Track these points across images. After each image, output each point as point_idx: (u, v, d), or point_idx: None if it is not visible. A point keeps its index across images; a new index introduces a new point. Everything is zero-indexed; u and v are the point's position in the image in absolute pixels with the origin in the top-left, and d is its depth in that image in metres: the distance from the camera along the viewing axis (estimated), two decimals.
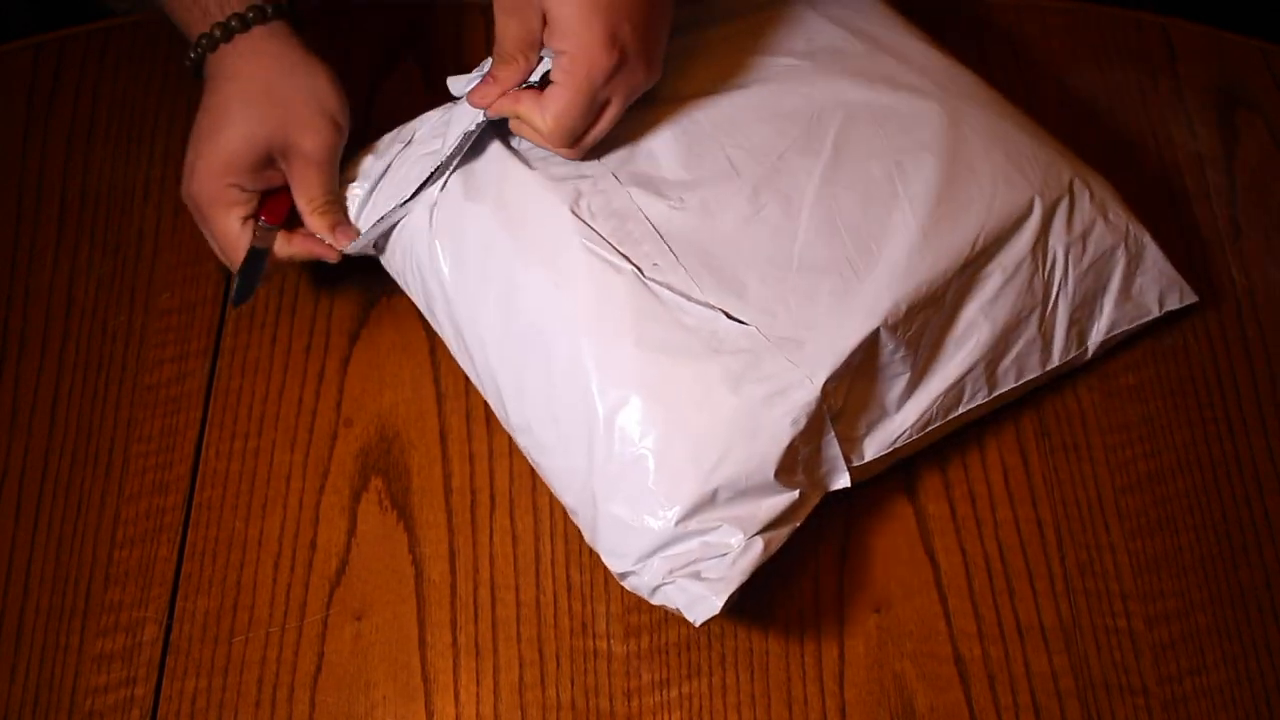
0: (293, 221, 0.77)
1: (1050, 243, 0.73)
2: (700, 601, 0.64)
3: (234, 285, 0.76)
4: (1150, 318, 0.77)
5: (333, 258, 0.76)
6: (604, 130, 0.71)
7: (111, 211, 0.85)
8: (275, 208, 0.76)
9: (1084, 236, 0.74)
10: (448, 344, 0.76)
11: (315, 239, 0.76)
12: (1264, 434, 0.77)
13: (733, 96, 0.75)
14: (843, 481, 0.70)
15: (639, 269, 0.69)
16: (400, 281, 0.77)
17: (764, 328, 0.68)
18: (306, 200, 0.75)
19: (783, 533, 0.67)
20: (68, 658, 0.71)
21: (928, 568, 0.73)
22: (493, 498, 0.75)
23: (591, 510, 0.68)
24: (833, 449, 0.69)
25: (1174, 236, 0.84)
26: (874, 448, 0.71)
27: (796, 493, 0.67)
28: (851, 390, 0.69)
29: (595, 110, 0.70)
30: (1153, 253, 0.76)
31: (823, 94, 0.75)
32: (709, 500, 0.65)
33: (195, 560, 0.73)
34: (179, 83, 0.89)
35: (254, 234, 0.75)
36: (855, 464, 0.70)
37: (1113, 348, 0.79)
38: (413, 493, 0.75)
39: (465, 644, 0.71)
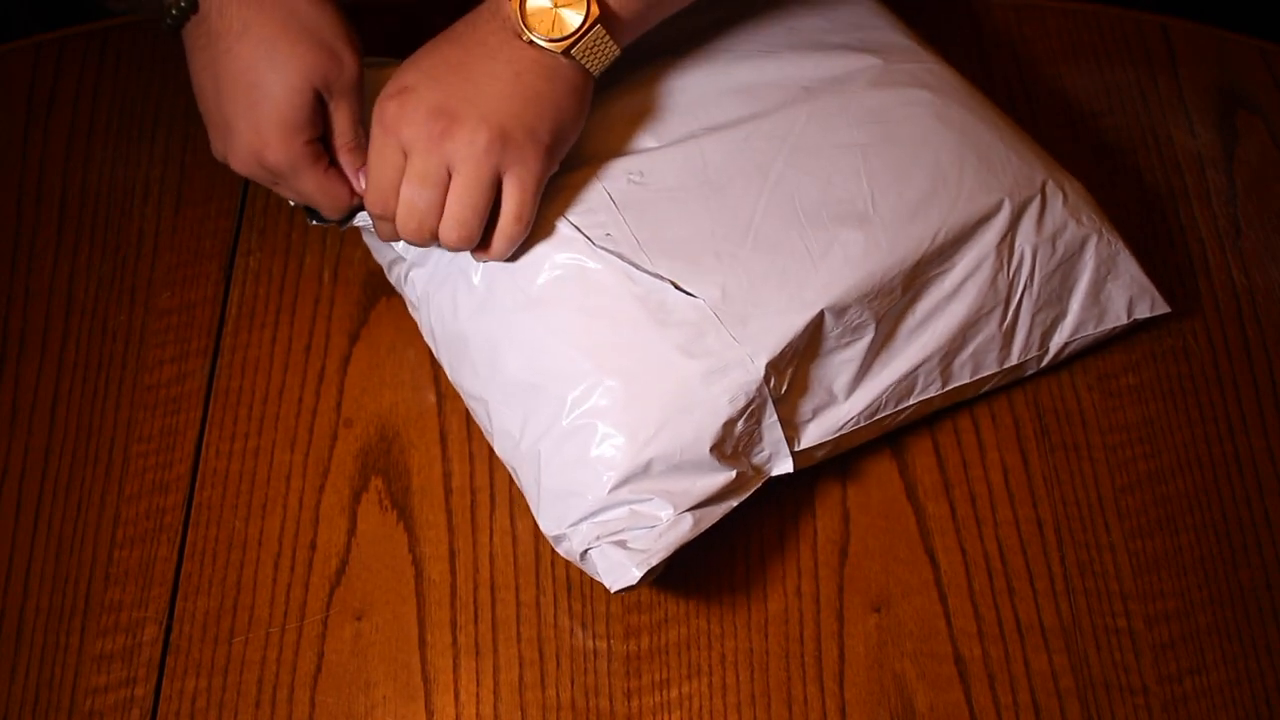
0: None
1: (1018, 242, 0.73)
2: (619, 569, 0.65)
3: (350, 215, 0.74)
4: (1119, 325, 0.77)
5: (345, 203, 0.74)
6: (460, 208, 0.67)
7: (111, 211, 0.85)
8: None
9: (1054, 238, 0.74)
10: (412, 311, 0.76)
11: (342, 180, 0.73)
12: (1264, 434, 0.77)
13: (710, 79, 0.76)
14: (785, 466, 0.70)
15: (589, 238, 0.69)
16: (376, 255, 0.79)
17: (711, 302, 0.68)
18: (342, 135, 0.72)
19: (716, 511, 0.68)
20: (68, 658, 0.71)
21: (928, 568, 0.73)
22: (493, 498, 0.75)
23: (534, 474, 0.69)
24: (775, 432, 0.69)
25: (1174, 236, 0.84)
26: (818, 433, 0.71)
27: (733, 472, 0.68)
28: (797, 374, 0.70)
29: (396, 165, 0.68)
30: (1126, 260, 0.76)
31: (798, 81, 0.75)
32: (642, 470, 0.66)
33: (195, 560, 0.73)
34: (179, 83, 0.89)
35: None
36: (798, 449, 0.71)
37: (1110, 347, 0.79)
38: (413, 493, 0.75)
39: (465, 644, 0.71)
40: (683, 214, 0.71)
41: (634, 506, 0.67)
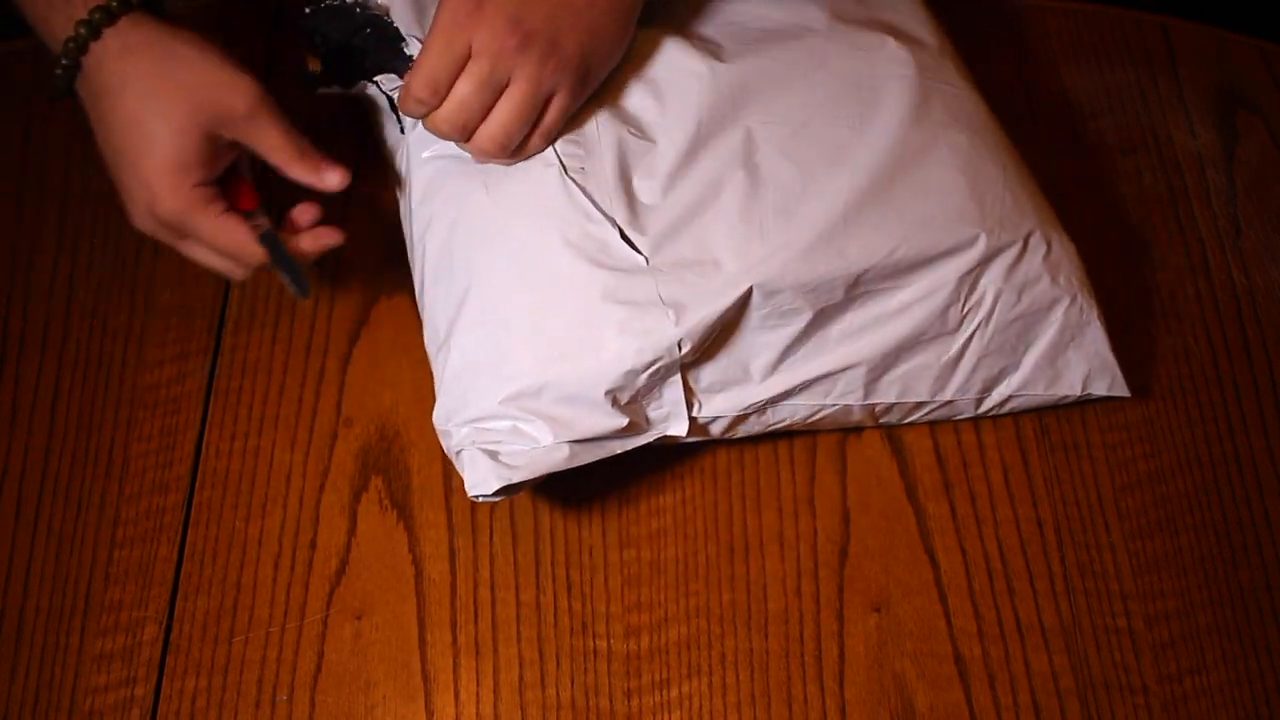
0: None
1: (982, 281, 0.71)
2: (481, 477, 0.67)
3: (287, 282, 0.72)
4: (1071, 394, 0.75)
5: (336, 239, 0.73)
6: (510, 119, 0.69)
7: (111, 211, 0.85)
8: (242, 195, 0.72)
9: (1022, 288, 0.72)
10: (403, 206, 0.78)
11: (313, 234, 0.73)
12: (1264, 434, 0.77)
13: (733, 54, 0.75)
14: (679, 429, 0.71)
15: (564, 166, 0.71)
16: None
17: (653, 257, 0.69)
18: (276, 153, 0.70)
19: (597, 450, 0.69)
20: (68, 658, 0.71)
21: (928, 567, 0.73)
22: None
23: (442, 367, 0.71)
24: (676, 392, 0.70)
25: (1174, 236, 0.84)
26: (724, 406, 0.71)
27: (624, 420, 0.69)
28: (714, 343, 0.70)
29: (458, 60, 0.68)
30: (1095, 333, 0.74)
31: (817, 70, 0.75)
32: (534, 392, 0.68)
33: (195, 560, 0.73)
34: None
35: (256, 231, 0.71)
36: (698, 415, 0.71)
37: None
38: (413, 492, 0.75)
39: (465, 644, 0.71)
40: (658, 174, 0.71)
41: (518, 424, 0.68)
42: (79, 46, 0.68)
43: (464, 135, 0.70)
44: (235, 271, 0.73)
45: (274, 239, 0.71)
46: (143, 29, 0.68)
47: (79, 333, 0.80)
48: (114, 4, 0.68)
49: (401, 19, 0.76)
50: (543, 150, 0.72)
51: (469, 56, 0.68)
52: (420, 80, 0.69)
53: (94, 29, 0.68)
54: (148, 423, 0.77)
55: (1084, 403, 0.77)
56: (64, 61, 0.69)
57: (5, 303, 0.82)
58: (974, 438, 0.76)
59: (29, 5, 0.70)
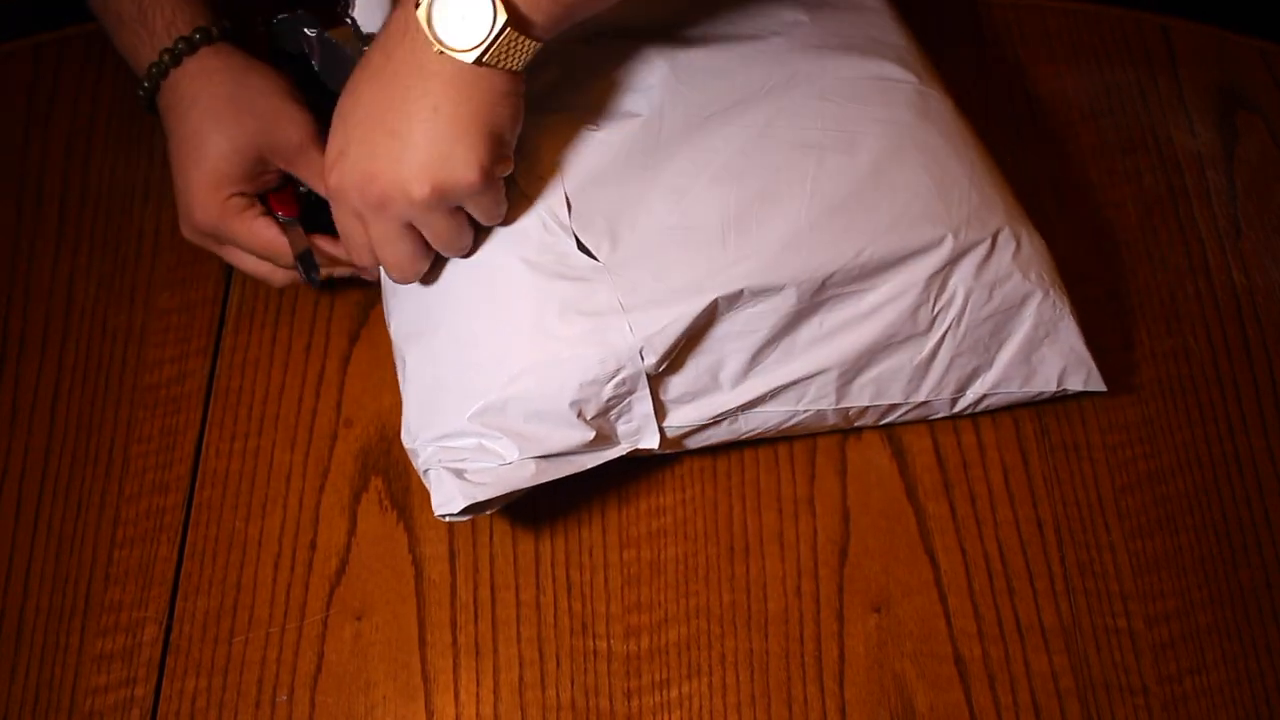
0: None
1: (952, 281, 0.71)
2: (448, 496, 0.67)
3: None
4: (1046, 390, 0.75)
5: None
6: (443, 245, 0.69)
7: (111, 211, 0.85)
8: (284, 202, 0.77)
9: (992, 286, 0.71)
10: None
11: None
12: (1264, 434, 0.77)
13: (698, 61, 0.75)
14: (650, 443, 0.71)
15: (520, 183, 0.71)
16: None
17: (613, 266, 0.69)
18: (319, 182, 0.74)
19: (564, 465, 0.69)
20: (68, 658, 0.71)
21: (928, 568, 0.73)
22: None
23: (410, 384, 0.71)
24: (645, 406, 0.70)
25: (1174, 236, 0.84)
26: (693, 415, 0.71)
27: (591, 433, 0.68)
28: (681, 354, 0.69)
29: (359, 226, 0.68)
30: (1068, 327, 0.73)
31: (783, 76, 0.74)
32: (499, 408, 0.68)
33: (195, 560, 0.73)
34: None
35: (289, 237, 0.75)
36: (668, 425, 0.71)
37: (1109, 346, 0.79)
38: (413, 493, 0.75)
39: (465, 644, 0.71)
40: (618, 177, 0.71)
41: (484, 441, 0.68)
42: (161, 72, 0.75)
43: (417, 275, 0.70)
44: (274, 275, 0.77)
45: (306, 251, 0.76)
46: (220, 56, 0.75)
47: (79, 333, 0.81)
48: (196, 36, 0.75)
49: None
50: (499, 220, 0.70)
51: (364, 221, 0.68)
52: (354, 257, 0.71)
53: (176, 58, 0.75)
54: (148, 423, 0.78)
55: (1083, 402, 0.77)
56: (145, 85, 0.76)
57: (5, 303, 0.82)
58: (974, 438, 0.76)
59: (114, 29, 0.77)
